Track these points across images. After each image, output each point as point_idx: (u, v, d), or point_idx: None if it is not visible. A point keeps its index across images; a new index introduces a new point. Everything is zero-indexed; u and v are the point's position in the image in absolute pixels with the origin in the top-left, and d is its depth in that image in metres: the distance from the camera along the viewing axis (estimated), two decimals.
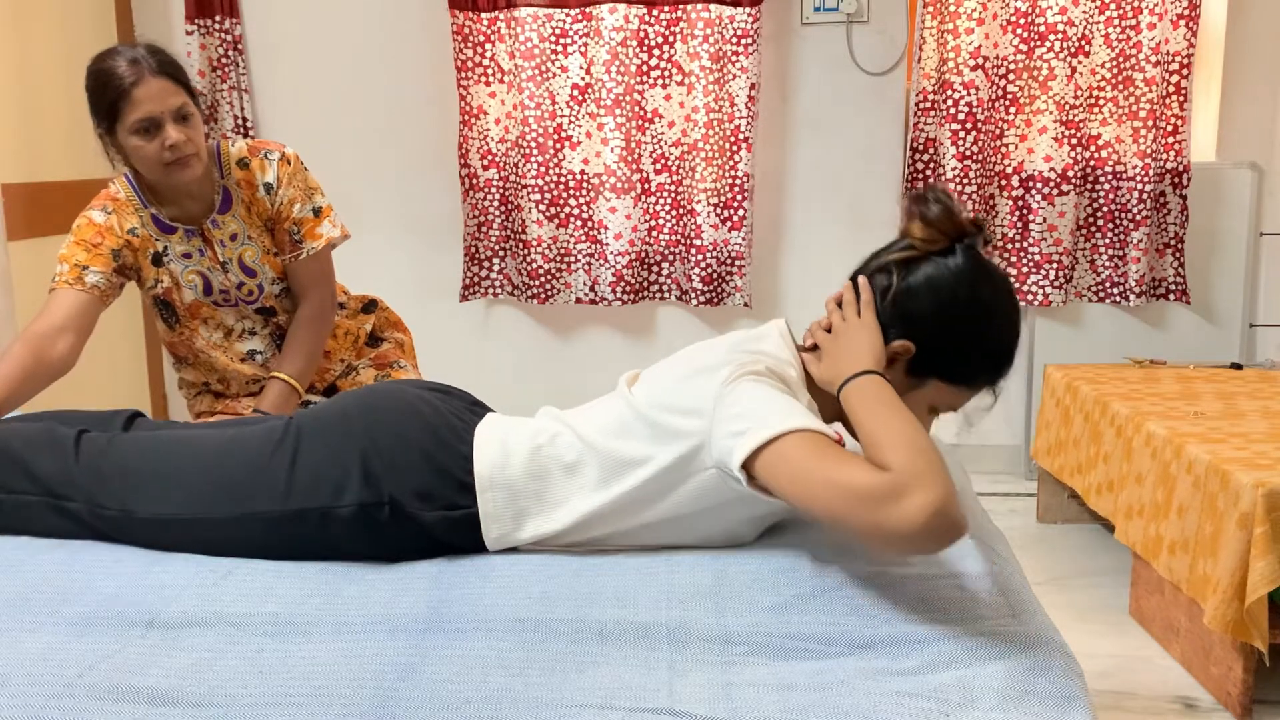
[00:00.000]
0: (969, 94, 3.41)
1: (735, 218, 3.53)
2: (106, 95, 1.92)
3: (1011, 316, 1.43)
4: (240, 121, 3.62)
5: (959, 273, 1.39)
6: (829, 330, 1.42)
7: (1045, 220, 3.46)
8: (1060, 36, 3.39)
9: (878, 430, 1.24)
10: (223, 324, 2.17)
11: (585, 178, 3.57)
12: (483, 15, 3.50)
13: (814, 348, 1.45)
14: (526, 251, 3.62)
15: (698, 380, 1.39)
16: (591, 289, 3.64)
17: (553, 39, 3.49)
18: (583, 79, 3.51)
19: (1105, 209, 3.49)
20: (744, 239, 3.54)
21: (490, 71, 3.55)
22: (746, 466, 1.27)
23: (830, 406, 1.41)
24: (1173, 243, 3.48)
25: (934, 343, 1.39)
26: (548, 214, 3.60)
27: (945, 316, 1.38)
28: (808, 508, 1.22)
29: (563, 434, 1.47)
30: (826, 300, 1.47)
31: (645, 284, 3.65)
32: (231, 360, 2.18)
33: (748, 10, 3.40)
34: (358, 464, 1.46)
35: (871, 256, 1.46)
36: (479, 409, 1.61)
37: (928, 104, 3.46)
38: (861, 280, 1.43)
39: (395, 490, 1.44)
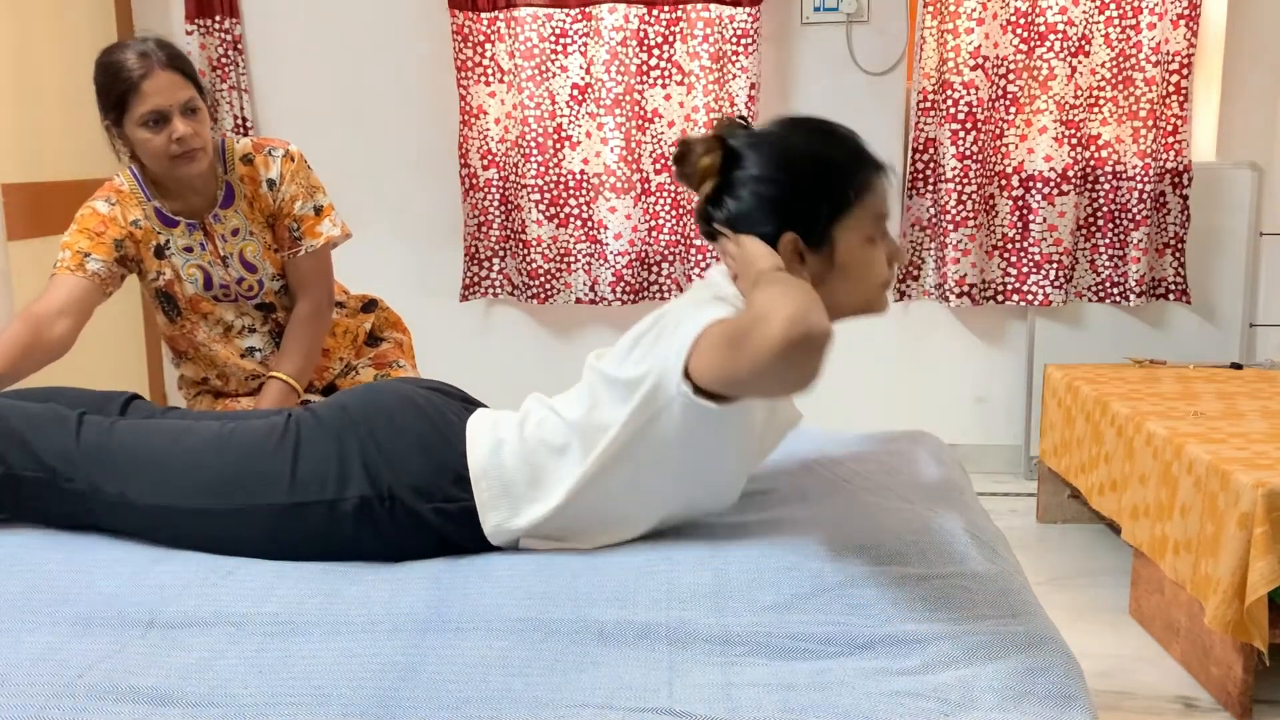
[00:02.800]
0: (969, 94, 3.40)
1: None
2: (115, 88, 1.93)
3: (814, 132, 1.48)
4: (240, 121, 3.62)
5: (754, 164, 1.44)
6: (735, 277, 1.46)
7: (1045, 220, 3.46)
8: (1060, 36, 3.38)
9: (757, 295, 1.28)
10: (222, 320, 2.17)
11: (585, 178, 3.57)
12: (483, 15, 3.50)
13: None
14: (526, 251, 3.62)
15: (651, 331, 1.44)
16: (591, 289, 3.64)
17: (553, 39, 3.49)
18: (582, 79, 3.51)
19: (1105, 209, 3.49)
20: None
21: (490, 71, 3.55)
22: (690, 376, 1.30)
23: None
24: (1173, 243, 3.48)
25: (799, 215, 1.43)
26: (548, 214, 3.60)
27: (783, 195, 1.43)
28: (725, 377, 1.25)
29: (549, 418, 1.50)
30: (722, 261, 1.51)
31: (645, 284, 3.65)
32: (231, 355, 2.18)
33: (748, 10, 3.40)
34: (358, 459, 1.47)
35: (698, 218, 1.51)
36: (473, 406, 1.62)
37: (928, 104, 3.46)
38: (717, 228, 1.48)
39: (395, 485, 1.46)
